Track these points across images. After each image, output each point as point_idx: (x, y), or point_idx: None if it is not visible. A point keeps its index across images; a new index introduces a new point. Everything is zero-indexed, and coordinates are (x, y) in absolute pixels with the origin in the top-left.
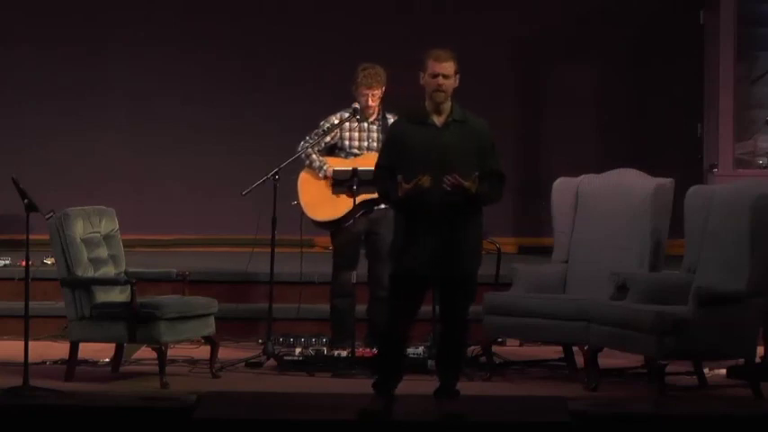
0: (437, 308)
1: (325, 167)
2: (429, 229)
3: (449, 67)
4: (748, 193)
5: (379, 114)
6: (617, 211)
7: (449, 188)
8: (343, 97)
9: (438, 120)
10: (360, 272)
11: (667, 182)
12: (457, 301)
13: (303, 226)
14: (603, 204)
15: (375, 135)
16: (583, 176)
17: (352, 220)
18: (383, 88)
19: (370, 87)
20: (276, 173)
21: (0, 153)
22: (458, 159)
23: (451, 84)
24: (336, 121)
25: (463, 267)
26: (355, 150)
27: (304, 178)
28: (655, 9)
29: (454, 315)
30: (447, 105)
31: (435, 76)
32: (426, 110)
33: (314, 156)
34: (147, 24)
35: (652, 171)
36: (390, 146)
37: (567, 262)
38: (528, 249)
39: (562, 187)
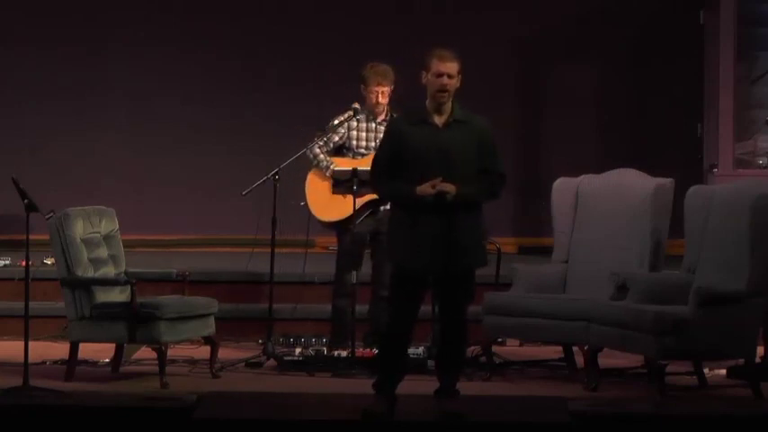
0: (437, 308)
1: (331, 167)
2: (429, 228)
3: (453, 67)
4: (748, 193)
5: (387, 114)
6: (617, 211)
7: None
8: (344, 97)
9: (439, 119)
10: (363, 271)
11: (667, 182)
12: (456, 300)
13: (309, 227)
14: (603, 204)
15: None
16: (583, 176)
17: (358, 221)
18: (392, 87)
19: (379, 84)
20: (276, 173)
21: (0, 153)
22: (459, 159)
23: (455, 84)
24: (336, 122)
25: (463, 264)
26: (362, 150)
27: (311, 179)
28: (655, 9)
29: (454, 314)
30: (448, 105)
31: (440, 75)
32: (427, 109)
33: (321, 155)
34: (147, 24)
35: (652, 171)
36: (390, 142)
37: (567, 262)
38: (528, 249)
39: (562, 187)
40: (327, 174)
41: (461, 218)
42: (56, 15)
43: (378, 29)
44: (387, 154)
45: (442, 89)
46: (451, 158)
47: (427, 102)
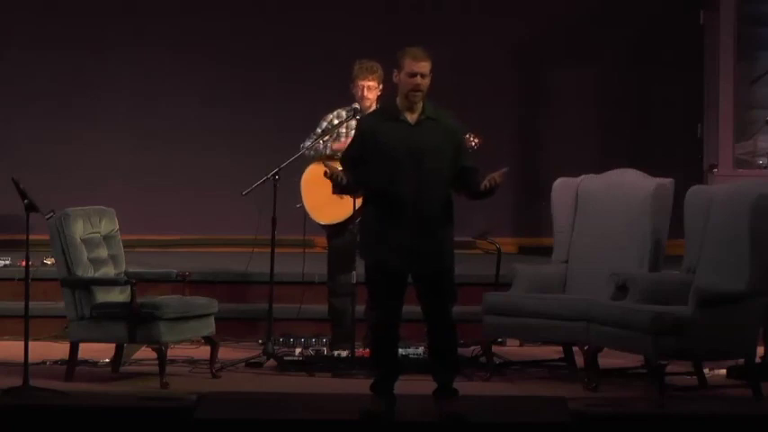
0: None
1: (329, 144)
2: (402, 224)
3: (426, 66)
4: (748, 193)
5: None
6: (617, 211)
7: (487, 188)
8: (344, 97)
9: (410, 117)
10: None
11: (667, 182)
12: (439, 302)
13: (306, 227)
14: (603, 204)
15: None
16: (583, 176)
17: (356, 222)
18: (379, 83)
19: (364, 79)
20: (276, 173)
21: (0, 153)
22: (432, 156)
23: (427, 83)
24: (336, 121)
25: (439, 263)
26: None
27: (307, 180)
28: (655, 9)
29: (438, 316)
30: (419, 104)
31: (413, 75)
32: (398, 107)
33: (311, 142)
34: (147, 24)
35: (652, 171)
36: (361, 139)
37: (567, 262)
38: (528, 249)
39: (562, 187)
40: (327, 152)
41: (439, 217)
42: (56, 15)
43: (378, 29)
44: (356, 150)
45: (416, 89)
46: (423, 156)
47: (398, 99)
